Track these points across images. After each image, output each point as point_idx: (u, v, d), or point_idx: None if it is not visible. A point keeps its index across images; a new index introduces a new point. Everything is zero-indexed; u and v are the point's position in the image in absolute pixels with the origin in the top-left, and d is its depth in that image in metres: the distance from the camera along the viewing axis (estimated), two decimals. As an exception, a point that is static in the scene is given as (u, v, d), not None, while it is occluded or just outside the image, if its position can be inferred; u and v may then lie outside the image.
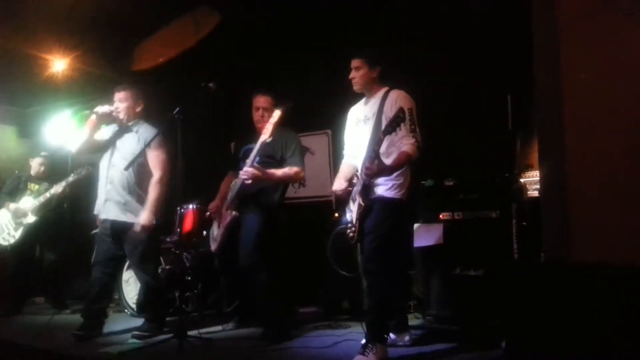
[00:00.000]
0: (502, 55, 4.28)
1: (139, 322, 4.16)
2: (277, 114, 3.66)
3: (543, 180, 3.54)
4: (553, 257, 3.38)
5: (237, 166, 4.04)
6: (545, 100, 3.56)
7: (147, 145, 3.85)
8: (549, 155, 3.50)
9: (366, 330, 3.12)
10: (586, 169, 3.33)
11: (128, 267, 4.88)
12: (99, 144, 4.03)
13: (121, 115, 3.97)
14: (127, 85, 4.07)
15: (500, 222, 3.59)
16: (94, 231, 5.30)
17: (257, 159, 3.73)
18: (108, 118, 3.97)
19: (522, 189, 3.86)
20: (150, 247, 4.00)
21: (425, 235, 3.76)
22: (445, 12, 4.55)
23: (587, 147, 3.34)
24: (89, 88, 6.22)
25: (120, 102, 3.96)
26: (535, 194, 3.82)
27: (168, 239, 4.95)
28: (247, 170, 3.71)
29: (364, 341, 3.09)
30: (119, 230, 3.94)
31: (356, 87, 3.36)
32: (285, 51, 5.49)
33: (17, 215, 5.25)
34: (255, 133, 3.98)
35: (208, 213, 4.17)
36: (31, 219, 5.23)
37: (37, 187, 5.49)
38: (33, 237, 5.37)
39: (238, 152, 4.16)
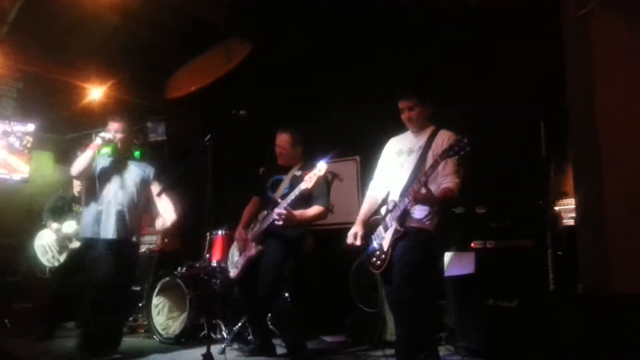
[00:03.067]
0: (534, 80, 4.21)
1: (167, 348, 4.09)
2: (323, 167, 3.62)
3: (579, 209, 3.44)
4: (591, 289, 3.26)
5: (263, 193, 4.05)
6: (580, 127, 3.47)
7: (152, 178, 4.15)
8: (584, 183, 3.41)
9: (395, 363, 3.04)
10: (624, 197, 3.22)
11: (158, 293, 4.90)
12: (92, 170, 4.05)
13: (119, 145, 4.06)
14: (121, 118, 4.13)
15: (535, 252, 3.49)
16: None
17: (290, 200, 3.72)
18: (109, 144, 4.05)
19: (557, 217, 3.75)
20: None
21: (456, 265, 3.68)
22: (476, 37, 4.52)
23: (624, 175, 3.23)
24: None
25: (117, 133, 4.03)
26: (571, 222, 3.71)
27: (197, 265, 4.96)
28: (281, 213, 3.70)
29: (393, 373, 3.01)
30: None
31: (414, 128, 3.29)
32: (314, 78, 5.54)
33: (62, 239, 5.28)
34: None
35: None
36: (76, 244, 5.12)
37: (81, 208, 5.48)
38: (77, 262, 5.08)
39: (266, 180, 4.17)
